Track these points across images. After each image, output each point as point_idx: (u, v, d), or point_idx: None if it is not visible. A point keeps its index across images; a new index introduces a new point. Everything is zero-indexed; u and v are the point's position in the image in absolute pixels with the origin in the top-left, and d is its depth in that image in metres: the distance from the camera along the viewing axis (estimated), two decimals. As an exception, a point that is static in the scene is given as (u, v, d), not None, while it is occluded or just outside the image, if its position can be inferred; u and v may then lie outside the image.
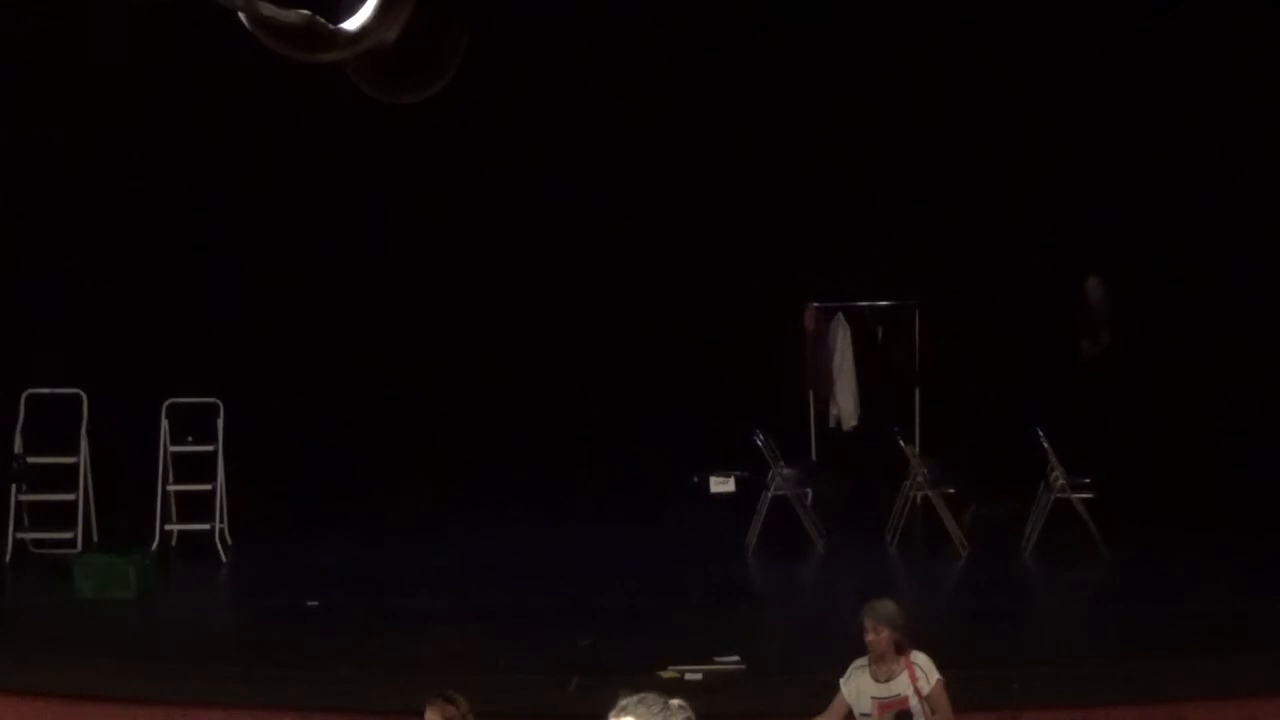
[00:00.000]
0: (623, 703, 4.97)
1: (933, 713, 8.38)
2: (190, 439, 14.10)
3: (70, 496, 13.85)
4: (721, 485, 14.69)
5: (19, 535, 13.92)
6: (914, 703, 8.37)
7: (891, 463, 14.51)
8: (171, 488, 14.10)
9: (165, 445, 14.05)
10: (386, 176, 16.53)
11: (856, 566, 13.92)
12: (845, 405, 15.89)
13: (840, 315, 16.03)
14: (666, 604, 12.39)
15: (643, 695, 4.99)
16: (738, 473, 14.66)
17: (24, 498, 13.92)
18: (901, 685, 8.37)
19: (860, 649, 8.57)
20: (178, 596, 13.48)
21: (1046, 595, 13.38)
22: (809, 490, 14.66)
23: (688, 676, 10.14)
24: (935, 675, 8.38)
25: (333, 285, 16.75)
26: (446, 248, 16.87)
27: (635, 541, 14.47)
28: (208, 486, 14.00)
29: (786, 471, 14.35)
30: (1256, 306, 15.83)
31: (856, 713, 8.43)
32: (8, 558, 13.86)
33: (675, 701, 5.13)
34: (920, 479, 14.15)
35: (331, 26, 6.04)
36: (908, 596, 13.49)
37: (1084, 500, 13.52)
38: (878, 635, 8.38)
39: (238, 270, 16.07)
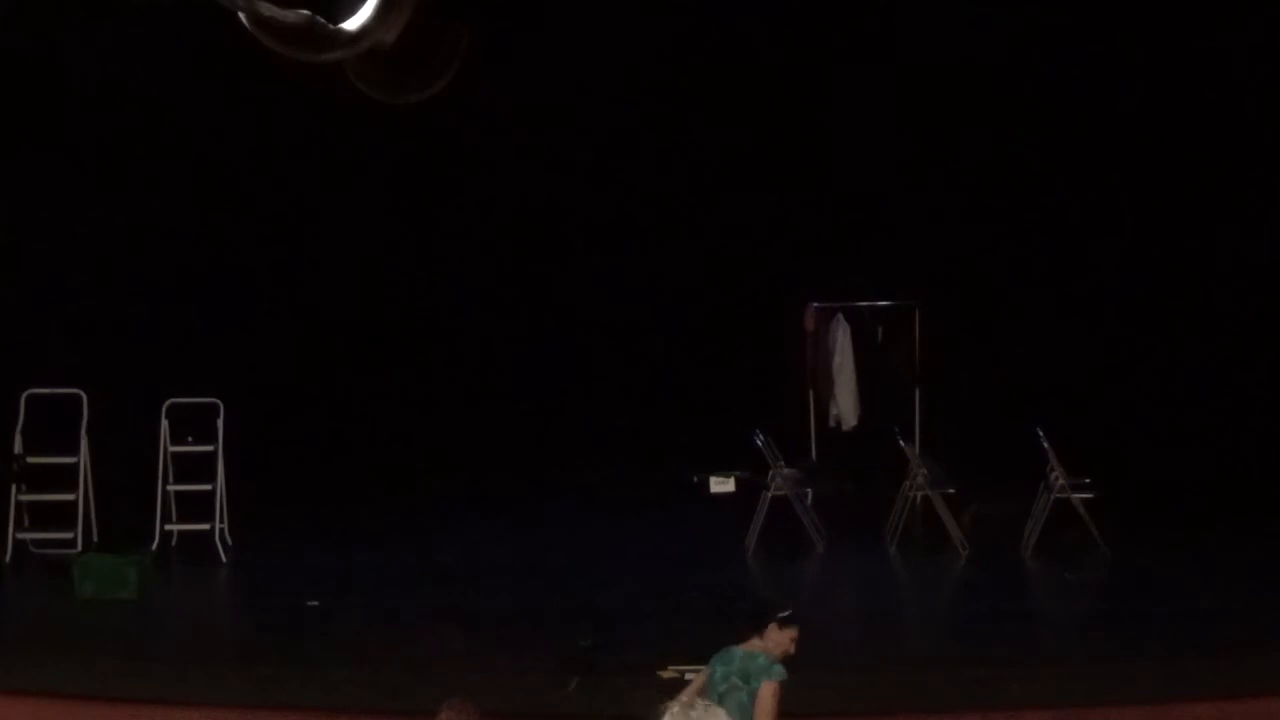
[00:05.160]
0: (667, 717, 4.96)
1: None
2: (190, 439, 14.10)
3: (70, 496, 13.86)
4: (721, 485, 14.70)
5: (19, 535, 13.92)
6: None
7: (891, 463, 14.52)
8: (171, 488, 14.10)
9: (165, 445, 14.06)
10: (387, 177, 16.53)
11: (856, 566, 13.93)
12: (845, 405, 15.89)
13: (840, 315, 16.04)
14: (667, 604, 12.39)
15: (683, 703, 4.99)
16: (738, 473, 14.67)
17: (24, 498, 13.92)
18: None
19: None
20: (178, 596, 13.47)
21: (1046, 595, 13.37)
22: (809, 490, 14.67)
23: (688, 676, 10.12)
24: None
25: (333, 285, 16.75)
26: (447, 248, 16.88)
27: (635, 541, 14.49)
28: (208, 486, 14.00)
29: (786, 471, 14.35)
30: (1256, 306, 15.84)
31: None
32: (8, 558, 13.86)
33: (703, 702, 5.17)
34: (920, 479, 14.15)
35: (331, 26, 6.05)
36: (908, 596, 13.56)
37: (1084, 500, 13.53)
38: None
39: (238, 270, 16.07)
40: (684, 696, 7.49)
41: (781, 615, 8.26)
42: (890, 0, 15.73)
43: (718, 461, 14.82)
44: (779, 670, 8.00)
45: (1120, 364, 16.31)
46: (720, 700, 7.80)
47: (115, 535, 13.59)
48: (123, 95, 14.52)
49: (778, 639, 8.20)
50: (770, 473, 14.26)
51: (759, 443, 14.31)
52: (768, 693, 7.85)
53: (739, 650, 8.20)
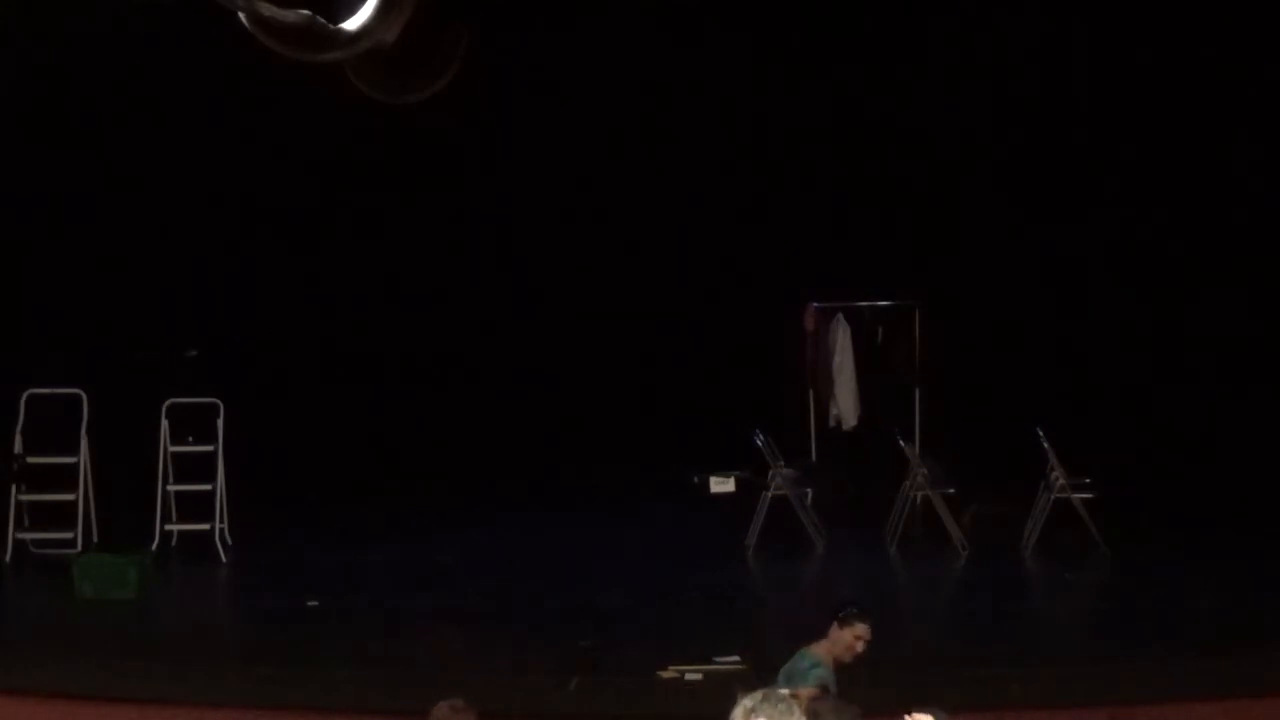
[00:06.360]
0: (747, 703, 4.85)
1: None
2: (190, 439, 14.09)
3: (70, 496, 13.84)
4: (721, 485, 14.71)
5: (19, 535, 13.90)
6: None
7: (891, 463, 14.51)
8: (171, 488, 14.09)
9: (165, 445, 14.05)
10: (386, 176, 16.52)
11: (856, 566, 13.92)
12: (845, 405, 15.88)
13: (840, 315, 16.02)
14: (667, 604, 12.40)
15: (765, 692, 4.89)
16: (738, 473, 14.68)
17: (24, 498, 13.90)
18: None
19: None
20: (178, 596, 13.48)
21: (1046, 595, 13.38)
22: (809, 490, 14.66)
23: (688, 676, 10.14)
24: None
25: (333, 286, 16.76)
26: (446, 247, 16.87)
27: (635, 541, 14.48)
28: (208, 486, 13.99)
29: (786, 471, 14.34)
30: (1256, 305, 15.83)
31: None
32: (8, 558, 13.85)
33: (785, 691, 5.09)
34: (920, 479, 14.15)
35: (331, 26, 6.05)
36: (908, 596, 13.56)
37: (1084, 500, 13.53)
38: None
39: (239, 270, 16.07)
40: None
41: (841, 614, 8.08)
42: (890, 4, 15.72)
43: (718, 461, 14.82)
44: (816, 674, 7.84)
45: (1120, 364, 16.30)
46: None
47: (115, 535, 13.58)
48: (123, 95, 14.52)
49: (838, 637, 8.05)
50: (770, 473, 14.25)
51: (759, 443, 14.30)
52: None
53: (801, 650, 8.07)
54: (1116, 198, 16.33)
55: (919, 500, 14.19)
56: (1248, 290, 15.92)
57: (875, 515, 14.42)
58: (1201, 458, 14.94)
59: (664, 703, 10.00)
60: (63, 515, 13.86)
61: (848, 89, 16.21)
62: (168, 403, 14.11)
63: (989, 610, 12.39)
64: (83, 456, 13.88)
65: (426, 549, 14.10)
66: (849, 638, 8.03)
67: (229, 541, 14.08)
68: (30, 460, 13.90)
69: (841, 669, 8.06)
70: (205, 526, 13.96)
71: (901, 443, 14.51)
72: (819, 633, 8.23)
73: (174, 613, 12.88)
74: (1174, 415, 15.49)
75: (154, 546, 13.82)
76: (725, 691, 5.03)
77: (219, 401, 13.98)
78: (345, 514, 15.06)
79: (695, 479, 14.87)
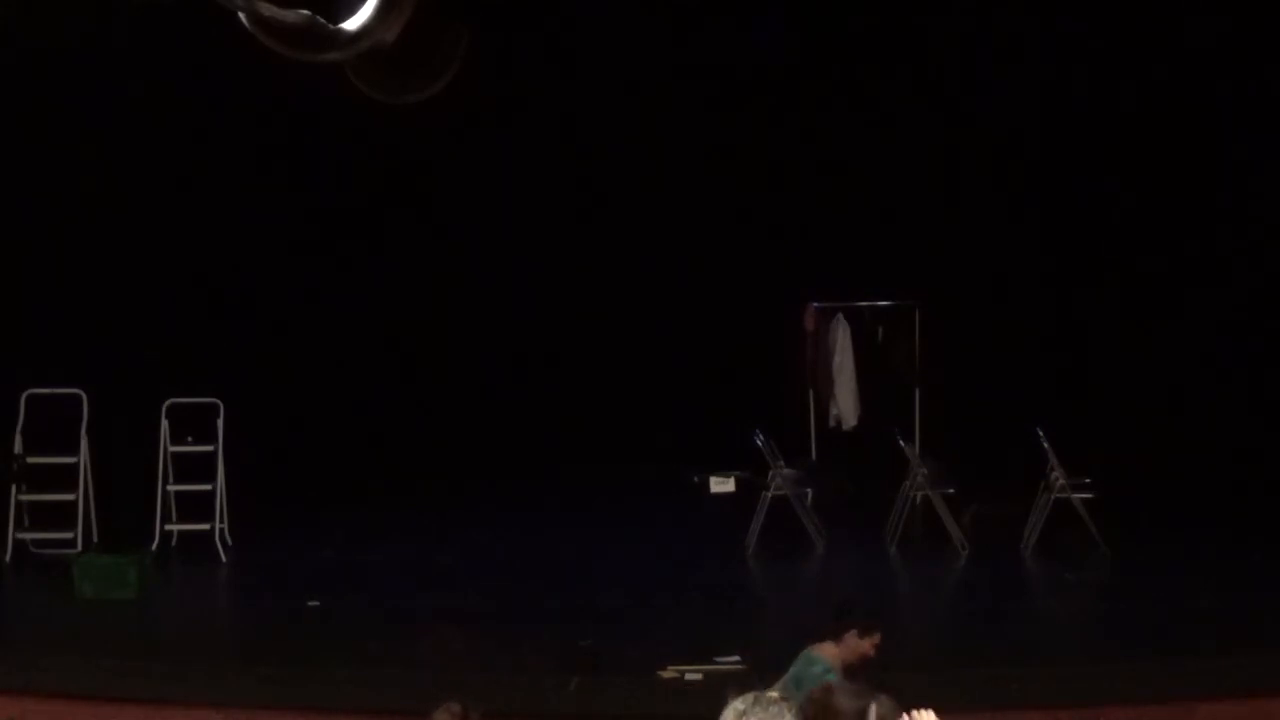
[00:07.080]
0: (739, 705, 4.86)
1: None
2: (190, 439, 14.11)
3: (70, 496, 13.86)
4: (721, 485, 14.73)
5: (19, 535, 13.92)
6: None
7: (891, 463, 14.51)
8: (171, 488, 14.11)
9: (165, 445, 14.07)
10: (385, 176, 16.53)
11: (856, 566, 13.93)
12: (845, 405, 15.89)
13: (840, 315, 16.04)
14: (667, 604, 12.40)
15: (756, 695, 4.91)
16: (738, 473, 14.69)
17: (24, 498, 13.92)
18: None
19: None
20: (178, 596, 13.48)
21: (1046, 595, 13.38)
22: (809, 490, 14.67)
23: (688, 676, 10.14)
24: None
25: (333, 285, 16.75)
26: (446, 247, 16.87)
27: (635, 541, 14.48)
28: (208, 486, 14.01)
29: (786, 471, 14.35)
30: (1257, 305, 15.83)
31: None
32: (8, 558, 13.87)
33: (772, 693, 5.10)
34: (920, 479, 14.15)
35: (331, 26, 6.05)
36: (908, 596, 13.57)
37: (1084, 500, 13.53)
38: None
39: (238, 270, 16.06)
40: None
41: (865, 623, 8.11)
42: (890, 5, 15.72)
43: (718, 461, 14.81)
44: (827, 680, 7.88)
45: (1120, 364, 16.29)
46: None
47: (115, 535, 13.59)
48: (122, 95, 14.51)
49: (855, 644, 8.08)
50: (770, 473, 14.26)
51: (759, 443, 14.31)
52: None
53: (806, 652, 8.08)
54: (1117, 197, 16.31)
55: (919, 500, 14.20)
56: (1248, 290, 15.92)
57: (875, 515, 14.43)
58: (1201, 458, 14.95)
59: (664, 703, 10.00)
60: (63, 515, 13.88)
61: (848, 88, 16.20)
62: (168, 403, 14.12)
63: (989, 610, 12.39)
64: (83, 456, 13.90)
65: (426, 549, 14.10)
66: (866, 646, 8.07)
67: (229, 541, 14.10)
68: (30, 460, 13.91)
69: (844, 670, 8.08)
70: (205, 526, 13.98)
71: (901, 443, 14.51)
72: (821, 633, 8.23)
73: (174, 613, 12.88)
74: (1174, 415, 15.49)
75: (154, 546, 13.84)
76: (723, 692, 5.02)
77: (219, 401, 14.00)
78: (345, 514, 15.07)
79: (695, 479, 14.88)
